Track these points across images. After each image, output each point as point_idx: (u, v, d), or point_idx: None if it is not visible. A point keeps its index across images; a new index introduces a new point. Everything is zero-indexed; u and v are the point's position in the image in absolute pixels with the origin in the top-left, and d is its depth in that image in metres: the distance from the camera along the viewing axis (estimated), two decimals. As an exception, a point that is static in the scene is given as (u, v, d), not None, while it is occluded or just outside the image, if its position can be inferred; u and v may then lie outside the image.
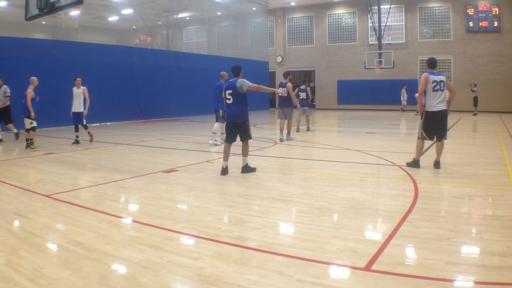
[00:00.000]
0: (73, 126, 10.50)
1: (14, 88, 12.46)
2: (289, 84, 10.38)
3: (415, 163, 6.78)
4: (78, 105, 10.25)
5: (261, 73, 26.31)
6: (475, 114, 19.76)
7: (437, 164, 6.70)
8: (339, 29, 26.74)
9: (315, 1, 26.32)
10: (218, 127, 9.87)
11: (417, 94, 6.82)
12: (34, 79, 9.77)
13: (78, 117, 10.30)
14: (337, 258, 3.13)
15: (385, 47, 23.88)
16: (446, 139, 6.77)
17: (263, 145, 9.79)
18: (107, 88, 16.19)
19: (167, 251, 3.31)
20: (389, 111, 22.93)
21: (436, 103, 6.42)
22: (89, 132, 10.58)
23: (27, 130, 9.42)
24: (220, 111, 9.51)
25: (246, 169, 6.49)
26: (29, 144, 9.33)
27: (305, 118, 13.34)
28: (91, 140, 10.54)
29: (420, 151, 6.83)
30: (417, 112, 19.57)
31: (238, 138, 6.49)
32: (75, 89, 10.30)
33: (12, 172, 6.74)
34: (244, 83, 6.25)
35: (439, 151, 6.70)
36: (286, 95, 8.98)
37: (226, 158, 6.40)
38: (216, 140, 9.93)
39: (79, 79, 10.34)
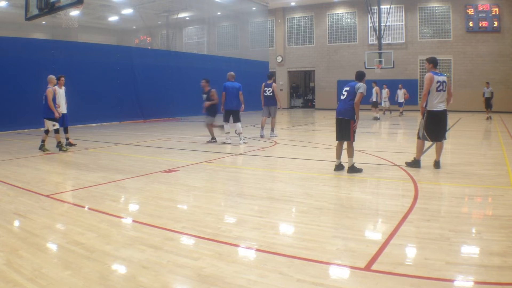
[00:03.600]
0: (62, 129, 9.56)
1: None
2: (274, 84, 11.32)
3: (415, 163, 6.78)
4: (64, 106, 9.56)
5: (261, 73, 26.29)
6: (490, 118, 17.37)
7: (437, 164, 6.71)
8: (339, 29, 26.73)
9: (315, 1, 26.32)
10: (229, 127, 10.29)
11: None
12: (52, 77, 9.21)
13: (65, 119, 9.61)
14: (337, 258, 3.13)
15: (385, 47, 23.87)
16: (445, 139, 6.80)
17: (263, 145, 9.79)
18: (107, 88, 16.19)
19: (167, 251, 3.31)
20: (389, 111, 22.92)
21: (438, 103, 6.50)
22: (67, 138, 9.85)
23: (46, 132, 9.04)
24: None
25: (352, 169, 6.39)
26: (60, 146, 9.11)
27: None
28: (72, 144, 9.80)
29: (421, 151, 6.84)
30: (401, 112, 19.42)
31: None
32: (58, 89, 9.29)
33: (12, 172, 6.74)
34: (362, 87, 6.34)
35: (439, 151, 6.72)
36: None
37: (338, 156, 6.57)
38: (230, 139, 10.27)
39: (63, 78, 9.57)
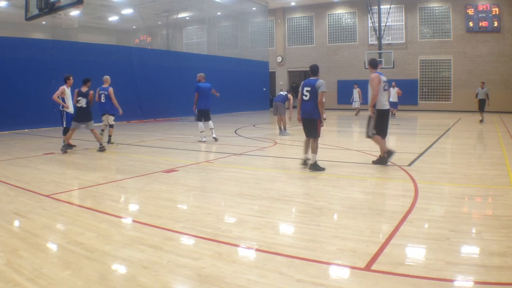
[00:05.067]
0: (67, 129, 9.31)
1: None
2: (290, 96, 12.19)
3: (382, 160, 6.96)
4: (71, 106, 9.42)
5: (261, 73, 26.32)
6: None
7: (383, 160, 6.94)
8: (339, 29, 26.74)
9: (315, 1, 26.31)
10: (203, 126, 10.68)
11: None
12: (107, 77, 10.26)
13: (69, 119, 9.31)
14: (337, 258, 3.13)
15: (385, 47, 23.87)
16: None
17: (263, 145, 9.79)
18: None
19: (167, 251, 3.31)
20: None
21: (385, 101, 6.83)
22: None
23: (111, 126, 10.19)
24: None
25: (315, 166, 6.58)
26: (110, 139, 10.17)
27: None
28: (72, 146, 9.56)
29: (384, 145, 6.98)
30: (356, 113, 19.15)
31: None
32: (66, 89, 9.26)
33: (12, 172, 6.74)
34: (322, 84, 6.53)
35: (383, 147, 6.99)
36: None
37: (306, 151, 6.81)
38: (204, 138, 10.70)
39: (71, 78, 9.45)
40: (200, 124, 10.51)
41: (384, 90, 6.79)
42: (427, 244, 3.37)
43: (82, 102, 8.82)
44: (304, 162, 6.83)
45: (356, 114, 20.07)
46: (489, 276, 2.79)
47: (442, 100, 23.90)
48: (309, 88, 6.52)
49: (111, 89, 9.94)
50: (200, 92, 10.33)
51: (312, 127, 6.58)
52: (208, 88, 10.48)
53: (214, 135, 10.57)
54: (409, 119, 18.85)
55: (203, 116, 10.50)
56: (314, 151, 6.60)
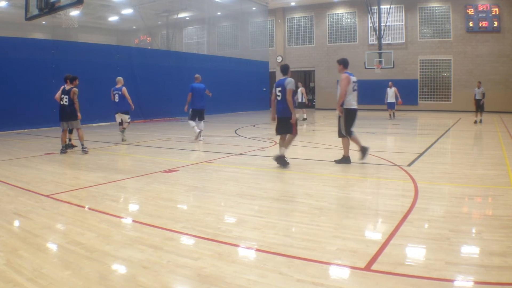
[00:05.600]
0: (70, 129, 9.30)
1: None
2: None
3: (345, 160, 7.08)
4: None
5: (261, 73, 26.33)
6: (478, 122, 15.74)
7: (347, 159, 7.03)
8: (339, 29, 26.74)
9: (315, 1, 26.31)
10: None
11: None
12: (120, 78, 10.88)
13: None
14: (337, 258, 3.13)
15: (385, 47, 23.87)
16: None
17: (263, 145, 9.79)
18: (107, 88, 16.12)
19: (167, 251, 3.31)
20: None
21: (353, 101, 6.99)
22: (70, 139, 9.59)
23: (126, 123, 10.80)
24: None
25: (280, 159, 6.83)
26: (123, 136, 10.72)
27: None
28: (73, 146, 9.52)
29: (349, 147, 7.15)
30: (391, 114, 18.20)
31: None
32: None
33: (12, 172, 6.74)
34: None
35: (347, 147, 7.13)
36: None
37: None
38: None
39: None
40: (192, 122, 10.80)
41: (354, 90, 6.95)
42: (427, 244, 3.37)
43: (64, 100, 8.63)
44: (341, 160, 7.06)
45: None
46: (489, 276, 2.79)
47: (442, 100, 23.91)
48: (280, 88, 6.79)
49: (124, 89, 10.51)
50: (193, 92, 10.54)
51: (288, 125, 6.81)
52: (202, 88, 10.68)
53: (201, 137, 10.83)
54: (409, 119, 18.85)
55: (197, 115, 10.76)
56: (287, 145, 6.90)
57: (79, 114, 8.65)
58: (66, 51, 15.38)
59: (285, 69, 6.90)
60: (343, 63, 7.06)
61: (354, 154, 7.25)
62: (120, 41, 29.88)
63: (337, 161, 7.15)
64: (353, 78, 6.95)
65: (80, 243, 3.48)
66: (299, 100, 17.72)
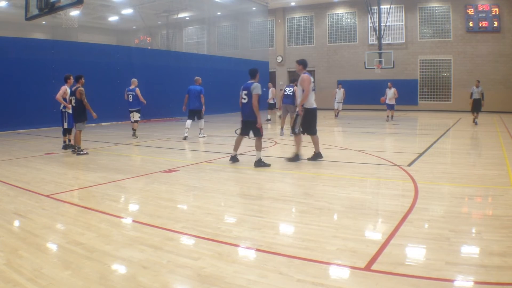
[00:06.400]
0: (68, 130, 9.42)
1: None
2: (296, 87, 11.15)
3: (295, 158, 7.37)
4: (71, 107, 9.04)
5: (261, 73, 26.18)
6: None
7: (318, 156, 7.41)
8: (339, 29, 26.73)
9: (315, 1, 26.30)
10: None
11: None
12: (135, 80, 11.89)
13: (70, 119, 9.19)
14: (337, 258, 3.13)
15: (385, 47, 23.87)
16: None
17: (263, 145, 9.77)
18: (107, 88, 16.18)
19: (167, 251, 3.31)
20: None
21: (313, 101, 7.27)
22: (70, 139, 9.50)
23: (136, 121, 11.68)
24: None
25: (259, 163, 6.96)
26: (134, 132, 11.62)
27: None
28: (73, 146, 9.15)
29: (300, 145, 7.46)
30: (389, 116, 17.63)
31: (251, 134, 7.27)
32: (68, 89, 9.15)
33: (12, 172, 6.74)
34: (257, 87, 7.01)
35: (316, 144, 7.47)
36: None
37: (236, 148, 7.33)
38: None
39: (72, 78, 9.23)
40: (188, 122, 11.31)
41: (313, 90, 7.22)
42: (427, 244, 3.37)
43: (73, 101, 8.61)
44: (232, 158, 7.35)
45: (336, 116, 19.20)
46: (489, 276, 2.79)
47: (442, 100, 23.90)
48: (246, 92, 7.04)
49: (137, 90, 11.54)
50: (189, 93, 11.22)
51: (254, 128, 7.04)
52: (197, 91, 11.22)
53: (201, 135, 11.51)
54: (409, 119, 18.85)
55: (194, 115, 11.31)
56: (258, 148, 7.04)
57: (93, 114, 8.65)
58: (66, 51, 15.37)
59: (252, 73, 7.15)
60: (303, 64, 7.35)
61: (354, 155, 7.24)
62: (120, 41, 29.90)
63: (310, 159, 7.44)
64: (312, 78, 7.26)
65: (80, 243, 3.48)
66: (271, 102, 17.58)
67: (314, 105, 7.34)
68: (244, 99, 7.08)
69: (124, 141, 10.98)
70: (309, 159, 7.45)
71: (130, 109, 11.66)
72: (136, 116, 11.67)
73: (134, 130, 11.64)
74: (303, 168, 7.01)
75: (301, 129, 7.33)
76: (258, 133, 7.04)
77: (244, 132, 7.30)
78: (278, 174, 6.62)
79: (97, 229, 3.88)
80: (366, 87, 25.52)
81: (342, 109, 20.41)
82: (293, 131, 7.50)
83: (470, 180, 5.82)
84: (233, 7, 27.04)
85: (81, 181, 6.15)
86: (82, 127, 8.69)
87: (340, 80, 26.52)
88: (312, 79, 7.23)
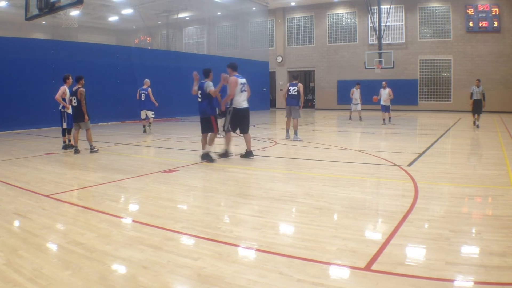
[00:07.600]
0: (68, 129, 9.36)
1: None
2: (300, 84, 10.94)
3: (225, 153, 7.78)
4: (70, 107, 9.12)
5: (261, 73, 26.31)
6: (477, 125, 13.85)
7: (249, 154, 7.72)
8: (339, 29, 26.74)
9: (315, 1, 26.31)
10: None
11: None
12: (147, 80, 12.83)
13: (70, 120, 9.16)
14: (337, 258, 3.13)
15: (385, 47, 23.87)
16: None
17: (263, 145, 9.78)
18: (107, 88, 16.19)
19: (167, 251, 3.31)
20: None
21: (242, 101, 7.63)
22: (69, 140, 9.43)
23: (151, 118, 12.69)
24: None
25: (206, 156, 7.48)
26: (145, 129, 12.60)
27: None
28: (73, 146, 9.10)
29: (230, 141, 7.95)
30: (387, 119, 16.61)
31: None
32: (67, 89, 9.14)
33: (12, 172, 6.74)
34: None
35: (248, 142, 7.79)
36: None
37: (204, 146, 7.70)
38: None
39: (71, 77, 9.21)
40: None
41: (242, 91, 7.59)
42: (427, 244, 3.37)
43: (73, 101, 8.68)
44: (222, 155, 7.79)
45: (350, 118, 17.82)
46: (489, 276, 2.79)
47: (442, 100, 23.91)
48: (200, 91, 7.47)
49: (149, 90, 12.40)
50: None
51: (208, 124, 7.51)
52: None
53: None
54: (409, 119, 18.85)
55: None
56: (211, 143, 7.59)
57: (86, 116, 8.65)
58: (66, 51, 15.36)
59: (206, 73, 7.56)
60: (232, 67, 7.73)
61: (354, 155, 7.24)
62: (120, 41, 29.88)
63: (242, 156, 7.79)
64: (241, 80, 7.60)
65: (80, 243, 3.48)
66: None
67: (243, 105, 7.67)
68: (199, 97, 7.50)
69: (124, 141, 10.97)
70: (241, 156, 7.83)
71: (142, 108, 12.44)
72: (149, 114, 12.60)
73: (146, 126, 12.61)
74: (303, 168, 7.01)
75: (229, 127, 7.72)
76: (212, 129, 7.49)
77: (204, 130, 7.65)
78: (278, 174, 6.62)
79: (97, 229, 3.88)
80: (366, 87, 25.44)
81: (342, 109, 20.30)
82: (223, 129, 7.88)
83: (470, 180, 5.82)
84: (233, 7, 27.04)
85: (81, 181, 6.15)
86: (89, 125, 8.79)
87: (340, 80, 26.54)
88: (240, 81, 7.57)
